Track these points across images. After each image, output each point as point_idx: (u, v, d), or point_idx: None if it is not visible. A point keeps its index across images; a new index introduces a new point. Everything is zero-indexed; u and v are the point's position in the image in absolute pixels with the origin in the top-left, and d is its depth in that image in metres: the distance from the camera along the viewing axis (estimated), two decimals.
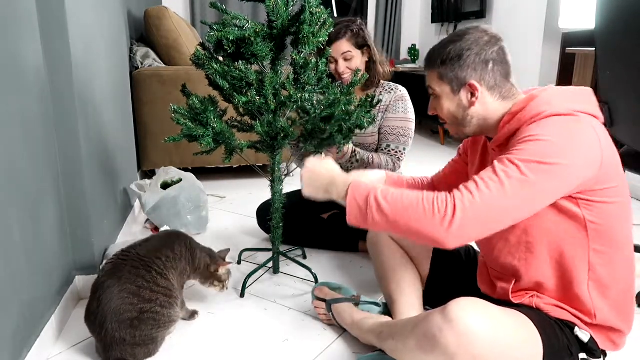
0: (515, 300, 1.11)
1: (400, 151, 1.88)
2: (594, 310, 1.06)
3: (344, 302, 1.40)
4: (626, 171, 2.81)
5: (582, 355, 1.06)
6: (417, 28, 5.38)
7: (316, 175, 1.17)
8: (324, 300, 1.44)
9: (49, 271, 1.34)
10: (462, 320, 0.95)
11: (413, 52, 5.22)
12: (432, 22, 4.98)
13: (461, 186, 0.96)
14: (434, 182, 1.44)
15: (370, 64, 1.87)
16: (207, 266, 1.45)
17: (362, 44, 1.83)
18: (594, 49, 1.69)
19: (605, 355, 1.12)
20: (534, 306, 1.09)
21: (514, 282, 1.13)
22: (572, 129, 0.96)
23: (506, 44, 1.11)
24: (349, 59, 1.81)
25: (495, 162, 0.97)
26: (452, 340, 0.95)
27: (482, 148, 1.24)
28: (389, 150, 1.86)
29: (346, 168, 1.79)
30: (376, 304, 1.44)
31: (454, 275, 1.38)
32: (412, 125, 1.90)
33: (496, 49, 1.08)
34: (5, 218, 1.07)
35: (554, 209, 1.02)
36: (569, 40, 3.53)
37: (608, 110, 1.61)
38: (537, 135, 0.96)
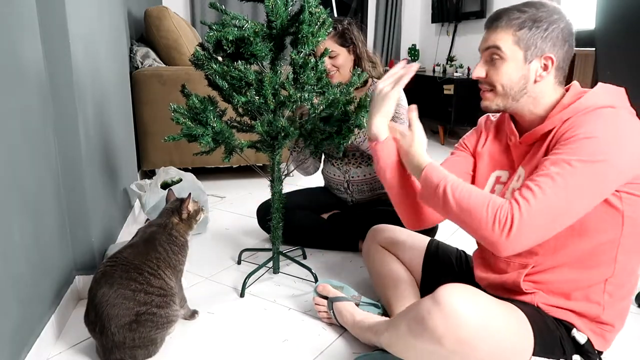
0: (523, 287, 1.09)
1: None
2: (603, 308, 1.05)
3: (345, 301, 1.41)
4: None
5: (577, 357, 1.05)
6: (417, 28, 5.38)
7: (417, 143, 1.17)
8: (325, 297, 1.45)
9: (49, 271, 1.34)
10: (450, 303, 0.96)
11: (413, 52, 5.21)
12: (432, 22, 4.98)
13: (518, 195, 0.96)
14: None
15: (359, 62, 1.86)
16: (178, 226, 1.40)
17: (346, 43, 1.83)
18: (594, 49, 1.68)
19: (600, 355, 1.11)
20: (535, 304, 1.08)
21: (531, 267, 1.08)
22: (617, 121, 0.96)
23: None
24: (333, 57, 1.82)
25: (549, 164, 0.96)
26: (439, 322, 0.96)
27: (504, 143, 1.19)
28: None
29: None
30: (376, 306, 1.45)
31: (446, 279, 1.37)
32: (404, 110, 1.85)
33: (569, 28, 1.05)
34: (5, 218, 1.07)
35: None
36: None
37: None
38: (583, 133, 0.95)
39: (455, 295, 0.97)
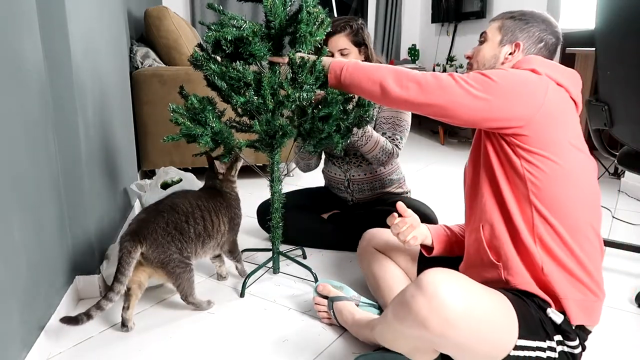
0: (490, 253, 1.14)
1: (397, 138, 1.85)
2: (541, 263, 1.08)
3: (345, 301, 1.41)
4: (625, 171, 2.80)
5: (558, 337, 1.06)
6: (417, 28, 5.38)
7: None
8: (325, 297, 1.45)
9: (49, 271, 1.34)
10: (432, 285, 0.97)
11: (413, 52, 5.21)
12: (432, 22, 4.98)
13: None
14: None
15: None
16: (223, 183, 1.67)
17: (360, 43, 1.82)
18: (594, 49, 1.69)
19: (584, 347, 1.11)
20: (504, 278, 1.12)
21: (481, 226, 1.16)
22: (525, 74, 1.10)
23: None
24: (345, 55, 1.80)
25: None
26: (422, 304, 0.97)
27: None
28: (386, 138, 1.85)
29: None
30: (375, 306, 1.45)
31: None
32: (406, 117, 1.88)
33: (555, 40, 1.22)
34: (5, 218, 1.07)
35: (497, 154, 1.13)
36: (569, 40, 3.53)
37: (608, 110, 1.61)
38: (497, 69, 1.16)
39: (437, 278, 0.98)
